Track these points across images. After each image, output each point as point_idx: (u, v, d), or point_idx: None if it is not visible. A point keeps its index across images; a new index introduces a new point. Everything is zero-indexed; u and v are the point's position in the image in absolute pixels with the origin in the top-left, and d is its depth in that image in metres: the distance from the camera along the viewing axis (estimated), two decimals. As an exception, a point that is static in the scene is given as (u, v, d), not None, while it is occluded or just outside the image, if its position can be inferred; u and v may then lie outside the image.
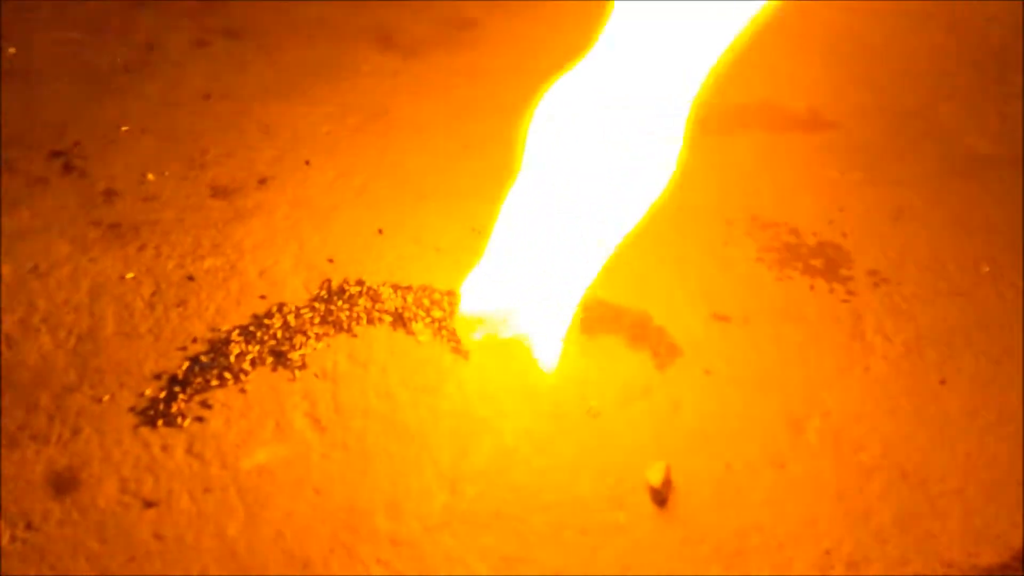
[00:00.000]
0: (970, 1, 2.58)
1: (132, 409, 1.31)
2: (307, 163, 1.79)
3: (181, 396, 1.33)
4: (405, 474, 1.27)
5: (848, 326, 1.56)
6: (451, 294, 1.52)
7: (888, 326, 1.56)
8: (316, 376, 1.39)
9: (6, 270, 1.50)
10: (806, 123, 2.07)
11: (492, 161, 1.62)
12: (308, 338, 1.44)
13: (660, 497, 1.25)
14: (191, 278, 1.53)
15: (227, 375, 1.37)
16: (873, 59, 2.33)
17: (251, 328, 1.44)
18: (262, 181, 1.75)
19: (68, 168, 1.73)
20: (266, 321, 1.46)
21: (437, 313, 1.49)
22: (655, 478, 1.26)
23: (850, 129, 2.06)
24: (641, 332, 1.51)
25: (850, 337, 1.54)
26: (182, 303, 1.48)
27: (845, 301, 1.61)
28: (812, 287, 1.63)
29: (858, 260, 1.70)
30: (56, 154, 1.76)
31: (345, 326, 1.47)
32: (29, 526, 1.17)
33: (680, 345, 1.49)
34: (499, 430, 1.34)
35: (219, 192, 1.72)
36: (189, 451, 1.27)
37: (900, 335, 1.55)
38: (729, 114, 2.07)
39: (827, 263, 1.68)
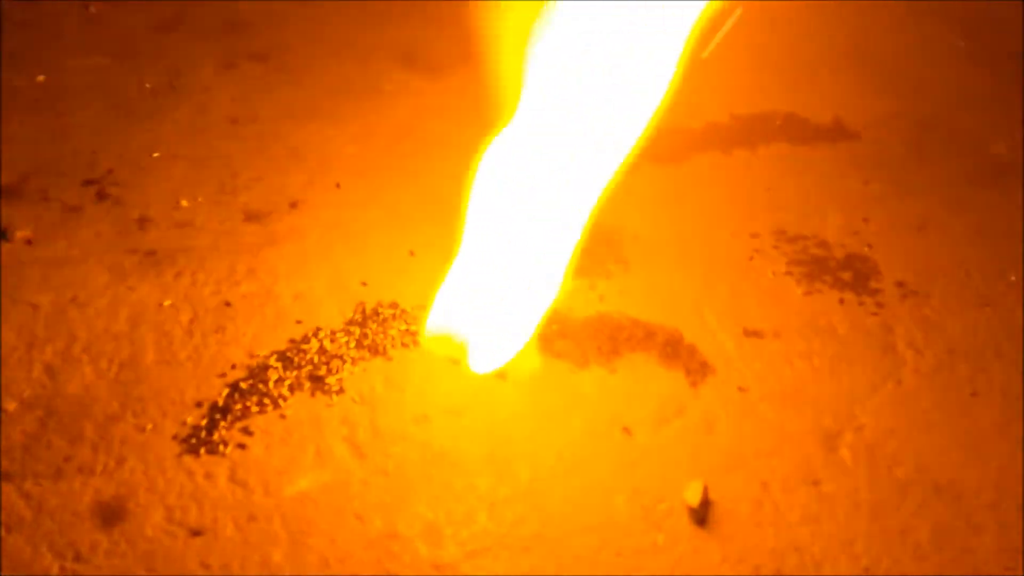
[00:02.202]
0: (988, 2, 2.59)
1: (175, 437, 1.33)
2: (337, 186, 1.81)
3: (222, 423, 1.35)
4: (444, 499, 1.28)
5: (879, 339, 1.57)
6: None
7: (918, 339, 1.57)
8: (354, 401, 1.41)
9: (45, 300, 1.52)
10: (829, 134, 2.08)
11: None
12: (345, 362, 1.46)
13: (699, 517, 1.26)
14: (228, 304, 1.55)
15: (267, 401, 1.39)
16: (894, 67, 2.34)
17: (288, 353, 1.46)
18: (293, 205, 1.77)
19: (102, 196, 1.76)
20: (303, 346, 1.48)
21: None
22: (693, 498, 1.27)
23: (873, 139, 2.07)
24: (673, 350, 1.52)
25: (881, 351, 1.55)
26: (220, 329, 1.50)
27: (875, 314, 1.61)
28: (842, 300, 1.63)
29: (886, 272, 1.70)
30: (89, 182, 1.78)
31: (380, 349, 1.48)
32: (78, 557, 1.19)
33: (712, 362, 1.50)
34: (534, 452, 1.36)
35: (252, 217, 1.74)
36: (232, 479, 1.29)
37: (930, 348, 1.56)
38: (752, 126, 2.08)
39: (855, 276, 1.69)
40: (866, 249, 1.75)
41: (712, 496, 1.29)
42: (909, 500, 1.32)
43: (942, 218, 1.84)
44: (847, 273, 1.69)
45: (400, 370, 1.46)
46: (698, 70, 2.28)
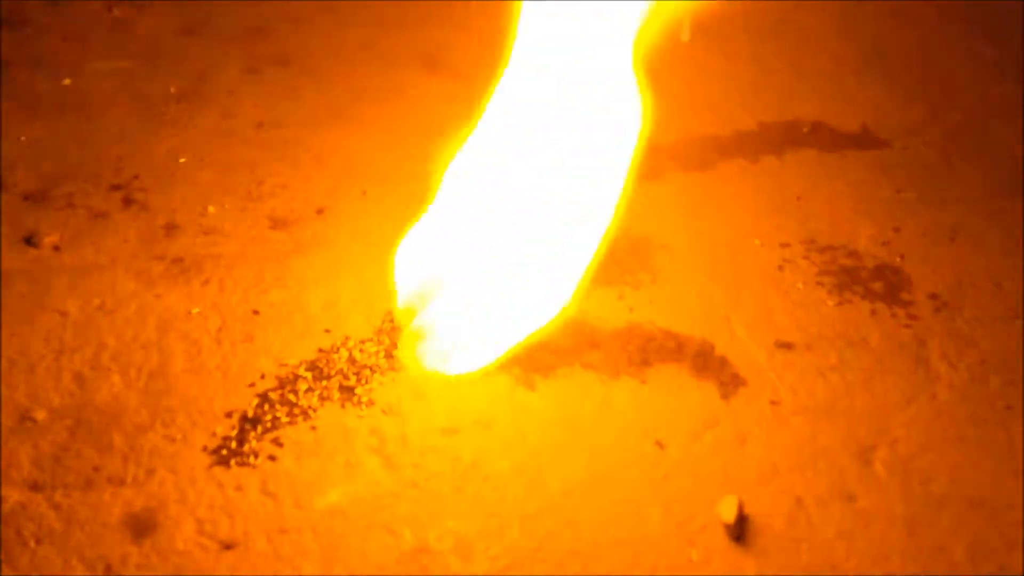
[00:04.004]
0: (1014, 8, 2.56)
1: (205, 448, 1.32)
2: (363, 192, 1.80)
3: (252, 434, 1.34)
4: (475, 512, 1.27)
5: (912, 352, 1.55)
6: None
7: (951, 352, 1.55)
8: (383, 412, 1.39)
9: (73, 307, 1.52)
10: (858, 141, 2.06)
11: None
12: (374, 373, 1.44)
13: (735, 533, 1.25)
14: (256, 312, 1.54)
15: (296, 412, 1.38)
16: (921, 73, 2.32)
17: (318, 363, 1.45)
18: (319, 211, 1.77)
19: (128, 201, 1.75)
20: (332, 356, 1.47)
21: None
22: (728, 514, 1.26)
23: (903, 147, 2.05)
24: (704, 361, 1.51)
25: (914, 363, 1.53)
26: (248, 338, 1.50)
27: (907, 326, 1.60)
28: (874, 312, 1.62)
29: (918, 283, 1.69)
30: (116, 187, 1.78)
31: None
32: (109, 570, 1.17)
33: (744, 374, 1.49)
34: (565, 464, 1.34)
35: (278, 224, 1.73)
36: (263, 491, 1.28)
37: (964, 361, 1.54)
38: (779, 134, 2.06)
39: (887, 287, 1.67)
40: (898, 260, 1.73)
41: (746, 511, 1.28)
42: (944, 516, 1.30)
43: (973, 228, 1.83)
44: (879, 284, 1.67)
45: (429, 381, 1.45)
46: (723, 75, 2.28)
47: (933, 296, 1.66)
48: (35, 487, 1.26)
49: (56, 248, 1.63)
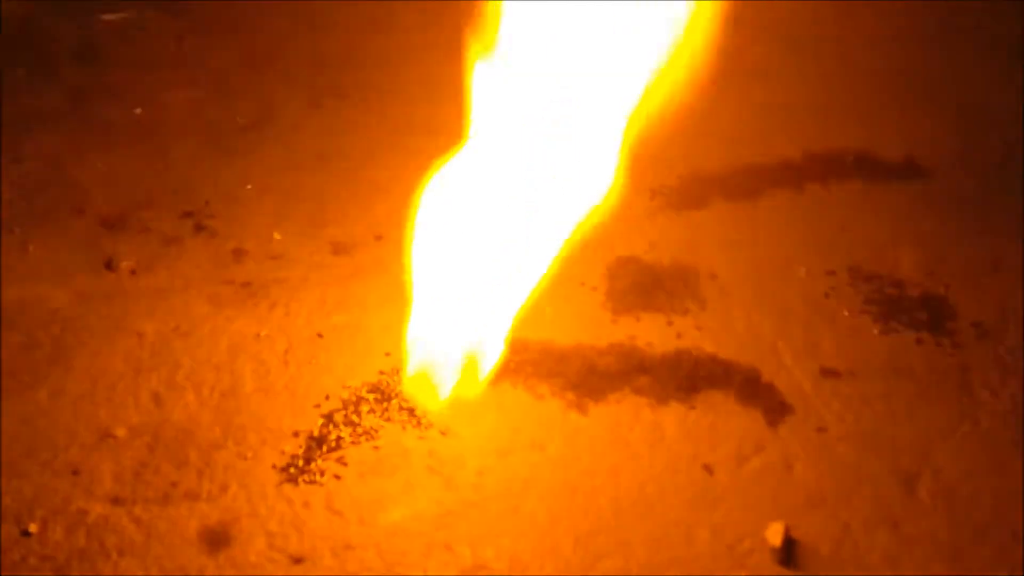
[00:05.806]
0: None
1: (274, 466, 1.39)
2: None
3: (318, 453, 1.41)
4: (531, 532, 1.32)
5: (955, 381, 1.58)
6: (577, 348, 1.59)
7: (994, 380, 1.58)
8: (441, 433, 1.46)
9: (150, 329, 1.60)
10: (902, 171, 2.09)
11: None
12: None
13: (783, 557, 1.29)
14: (320, 335, 1.62)
15: (360, 431, 1.45)
16: (962, 101, 2.34)
17: (379, 385, 1.52)
18: (378, 238, 1.84)
19: (199, 228, 1.84)
20: (392, 378, 1.53)
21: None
22: (775, 539, 1.30)
23: (946, 177, 2.08)
24: (751, 388, 1.55)
25: (958, 392, 1.56)
26: (313, 360, 1.57)
27: (951, 355, 1.63)
28: (919, 340, 1.65)
29: (962, 312, 1.72)
30: (187, 214, 1.87)
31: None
32: (186, 581, 1.25)
33: (790, 401, 1.53)
34: (616, 486, 1.39)
35: (340, 249, 1.81)
36: (329, 508, 1.34)
37: (1006, 389, 1.57)
38: (824, 163, 2.10)
39: (932, 316, 1.70)
40: (942, 289, 1.76)
41: (794, 535, 1.32)
42: (988, 545, 1.33)
43: (1016, 258, 1.85)
44: (923, 313, 1.71)
45: (485, 403, 1.51)
46: (767, 105, 2.32)
47: (976, 325, 1.69)
48: (117, 501, 1.34)
49: (133, 272, 1.72)
